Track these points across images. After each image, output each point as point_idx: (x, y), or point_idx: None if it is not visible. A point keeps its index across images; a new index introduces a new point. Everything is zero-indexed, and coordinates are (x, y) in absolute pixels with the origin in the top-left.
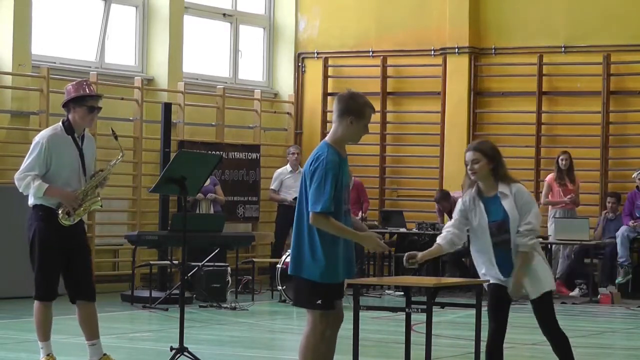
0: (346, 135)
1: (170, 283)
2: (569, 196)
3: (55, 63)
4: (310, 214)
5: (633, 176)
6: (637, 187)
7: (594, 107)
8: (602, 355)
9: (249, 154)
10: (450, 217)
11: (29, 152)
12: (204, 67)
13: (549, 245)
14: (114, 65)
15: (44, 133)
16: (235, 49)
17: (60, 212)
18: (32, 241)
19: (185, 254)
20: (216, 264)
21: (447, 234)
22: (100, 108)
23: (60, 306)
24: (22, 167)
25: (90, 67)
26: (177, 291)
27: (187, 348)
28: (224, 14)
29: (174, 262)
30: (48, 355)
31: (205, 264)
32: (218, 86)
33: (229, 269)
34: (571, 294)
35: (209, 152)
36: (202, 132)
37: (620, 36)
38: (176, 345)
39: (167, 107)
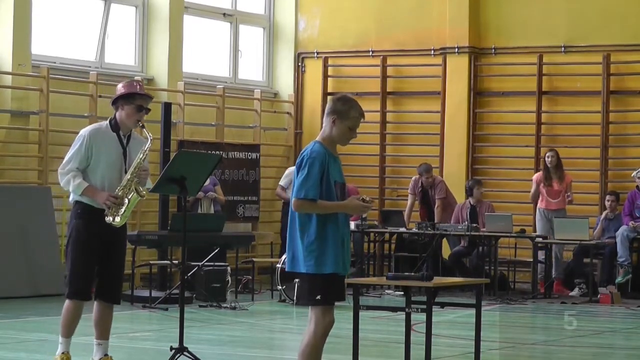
0: (331, 134)
1: (170, 283)
2: (568, 197)
3: (55, 63)
4: (293, 200)
5: (632, 175)
6: (637, 186)
7: (593, 106)
8: (602, 355)
9: (249, 153)
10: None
11: (72, 145)
12: (204, 67)
13: (549, 245)
14: (114, 65)
15: (88, 127)
16: (235, 49)
17: (106, 213)
18: (68, 238)
19: (185, 253)
20: (216, 263)
21: None
22: (149, 110)
23: (58, 305)
24: (64, 161)
25: (90, 67)
26: (177, 291)
27: (187, 348)
28: (224, 14)
29: (174, 262)
30: (63, 353)
31: (205, 263)
32: (218, 86)
33: (229, 268)
34: (571, 293)
35: (209, 152)
36: (202, 132)
37: (620, 36)
38: (176, 345)
39: (167, 106)
